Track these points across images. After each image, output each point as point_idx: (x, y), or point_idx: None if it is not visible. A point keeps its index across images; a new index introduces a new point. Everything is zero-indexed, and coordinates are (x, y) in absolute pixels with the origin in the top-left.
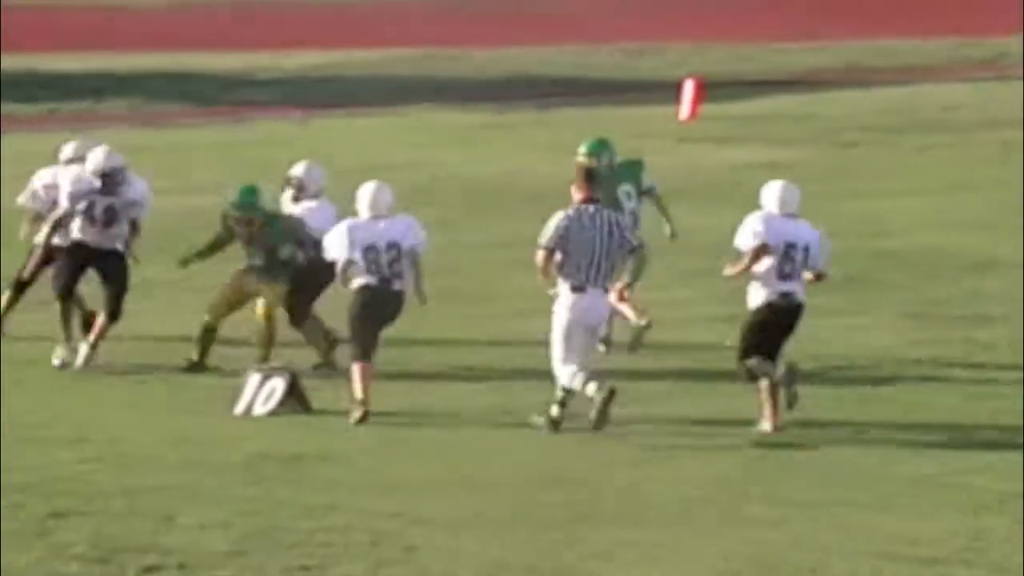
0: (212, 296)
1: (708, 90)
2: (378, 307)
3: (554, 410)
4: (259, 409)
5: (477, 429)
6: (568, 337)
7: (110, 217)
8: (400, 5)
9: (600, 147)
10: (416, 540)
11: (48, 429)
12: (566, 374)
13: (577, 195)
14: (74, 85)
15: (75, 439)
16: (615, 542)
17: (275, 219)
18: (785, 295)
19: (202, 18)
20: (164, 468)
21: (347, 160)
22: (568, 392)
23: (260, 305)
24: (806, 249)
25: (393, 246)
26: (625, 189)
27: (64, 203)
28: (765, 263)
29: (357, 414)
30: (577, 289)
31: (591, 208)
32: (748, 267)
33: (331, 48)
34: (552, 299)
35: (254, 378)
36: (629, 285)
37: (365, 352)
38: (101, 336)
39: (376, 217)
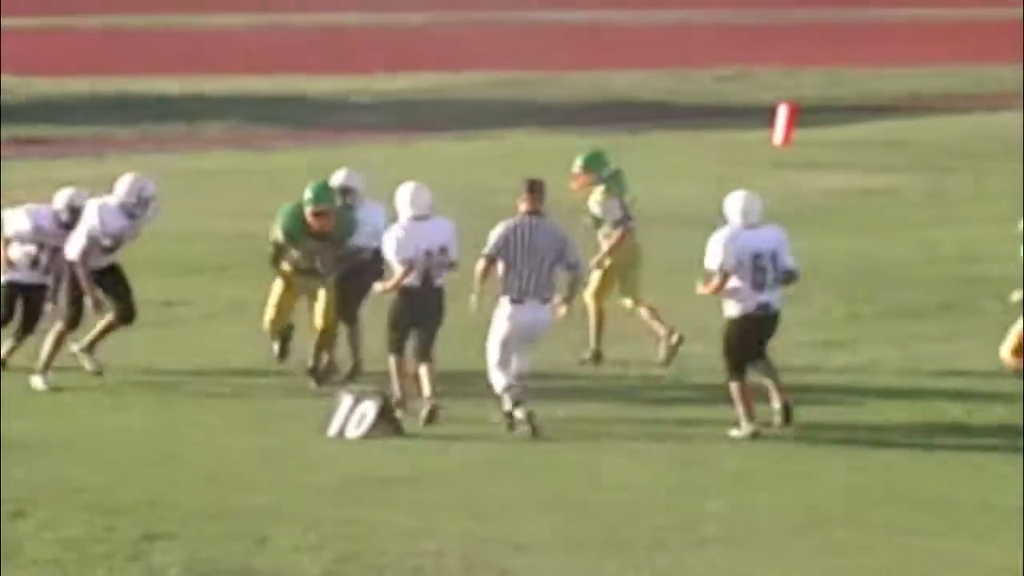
0: (277, 306)
1: (802, 115)
2: (422, 307)
3: (518, 413)
4: (352, 432)
5: (571, 451)
6: (504, 346)
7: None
8: (499, 29)
9: (595, 161)
10: (510, 564)
11: (139, 450)
12: (500, 384)
13: (522, 206)
14: (170, 108)
15: (166, 460)
16: (707, 566)
17: (347, 210)
18: (762, 306)
19: (299, 41)
20: (256, 489)
21: (447, 183)
22: (510, 388)
23: (319, 315)
24: (773, 255)
25: (444, 249)
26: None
27: (103, 239)
28: (734, 280)
29: (424, 413)
30: (517, 300)
31: (534, 220)
32: (719, 288)
33: (429, 72)
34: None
35: (346, 400)
36: (566, 300)
37: (401, 347)
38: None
39: (418, 218)
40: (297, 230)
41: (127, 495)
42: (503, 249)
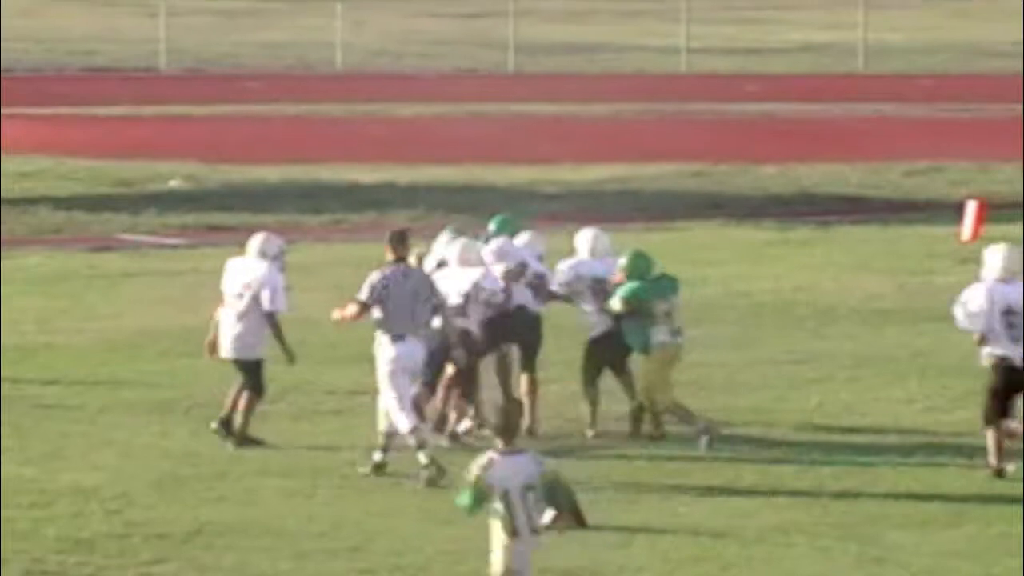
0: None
1: (991, 211)
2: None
3: (420, 457)
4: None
5: (755, 544)
6: (394, 383)
7: None
8: (687, 120)
9: (505, 224)
10: None
11: (328, 540)
12: (405, 426)
13: (390, 256)
14: (360, 196)
15: (354, 549)
16: None
17: None
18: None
19: (488, 130)
20: None
21: None
22: (417, 430)
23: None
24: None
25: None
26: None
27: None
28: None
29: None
30: (397, 338)
31: (403, 267)
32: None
33: (615, 162)
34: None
35: None
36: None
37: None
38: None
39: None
40: None
41: None
42: (380, 296)
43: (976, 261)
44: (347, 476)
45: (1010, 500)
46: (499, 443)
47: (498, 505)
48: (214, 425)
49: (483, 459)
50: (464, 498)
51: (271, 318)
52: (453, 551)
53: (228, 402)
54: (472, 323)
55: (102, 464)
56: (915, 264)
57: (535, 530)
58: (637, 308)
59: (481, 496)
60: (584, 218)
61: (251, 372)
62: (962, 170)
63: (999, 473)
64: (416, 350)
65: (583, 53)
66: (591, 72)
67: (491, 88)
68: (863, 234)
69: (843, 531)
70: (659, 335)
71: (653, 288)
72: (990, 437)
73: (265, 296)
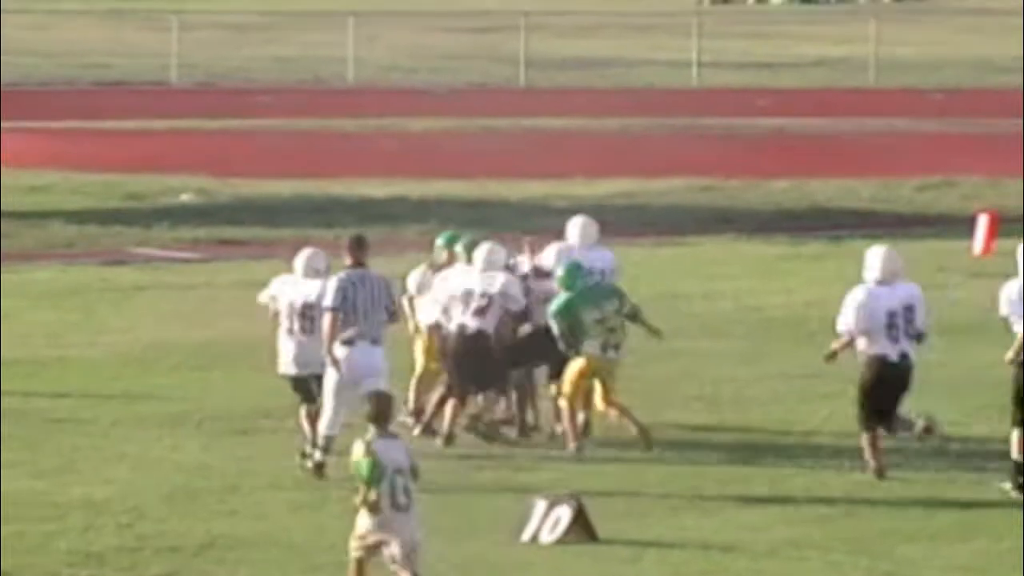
0: None
1: (1002, 225)
2: None
3: (317, 455)
4: (546, 537)
5: (770, 559)
6: (340, 389)
7: None
8: (696, 134)
9: (454, 239)
10: None
11: (338, 553)
12: (323, 429)
13: (348, 261)
14: (372, 210)
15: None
16: None
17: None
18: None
19: (499, 145)
20: None
21: (645, 289)
22: (330, 440)
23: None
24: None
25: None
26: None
27: None
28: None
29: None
30: (349, 342)
31: (360, 272)
32: None
33: (626, 177)
34: None
35: (540, 505)
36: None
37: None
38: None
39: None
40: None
41: None
42: (345, 299)
43: (989, 275)
44: (357, 490)
45: (1020, 514)
46: (373, 429)
47: None
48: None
49: (365, 440)
50: (363, 469)
51: None
52: (462, 566)
53: (308, 426)
54: (488, 325)
55: (113, 478)
56: (926, 278)
57: (397, 507)
58: (571, 321)
59: (379, 471)
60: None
61: (315, 386)
62: (974, 184)
63: (879, 473)
64: (375, 355)
65: (594, 67)
66: (602, 86)
67: (502, 103)
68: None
69: (854, 545)
70: (589, 347)
71: (583, 296)
72: (864, 439)
73: None
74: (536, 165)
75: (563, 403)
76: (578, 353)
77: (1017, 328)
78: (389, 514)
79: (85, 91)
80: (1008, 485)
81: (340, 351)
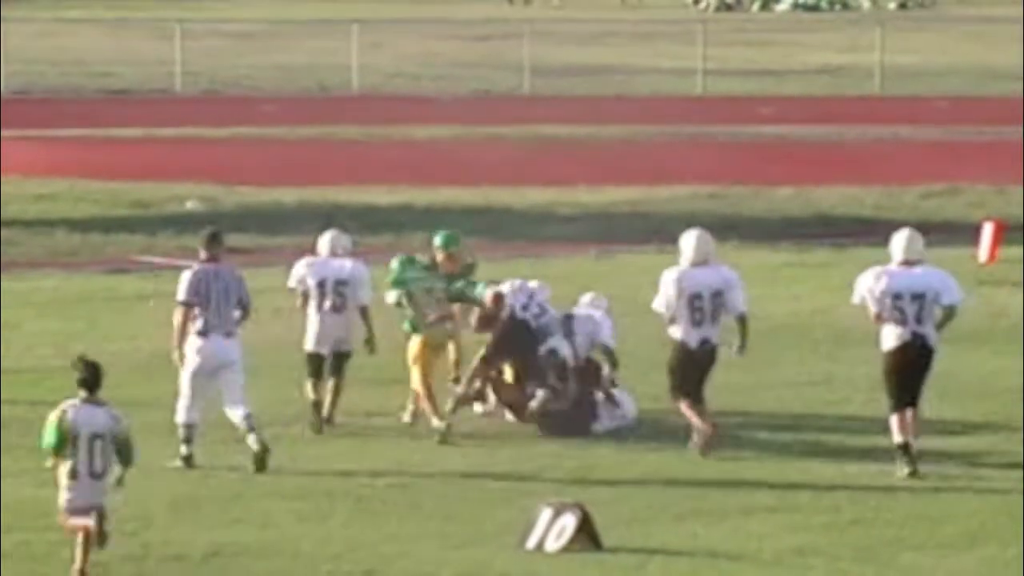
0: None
1: (1008, 233)
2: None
3: (183, 449)
4: (551, 545)
5: (776, 568)
6: (195, 378)
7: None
8: (702, 142)
9: (452, 241)
10: None
11: (343, 562)
12: (180, 418)
13: (202, 255)
14: (376, 218)
15: (369, 572)
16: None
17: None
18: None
19: (504, 153)
20: None
21: (649, 296)
22: (189, 427)
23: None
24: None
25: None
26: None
27: None
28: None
29: None
30: (203, 334)
31: (214, 266)
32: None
33: (631, 185)
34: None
35: (546, 513)
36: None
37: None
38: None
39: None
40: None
41: None
42: (196, 293)
43: (994, 283)
44: (362, 499)
45: None
46: (81, 393)
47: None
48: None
49: (62, 407)
50: (49, 438)
51: (365, 311)
52: (467, 573)
53: (319, 398)
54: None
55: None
56: None
57: (93, 474)
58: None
59: (63, 437)
60: (600, 240)
61: (344, 363)
62: (979, 192)
63: (712, 432)
64: (228, 347)
65: (598, 75)
66: (606, 94)
67: (507, 110)
68: (880, 256)
69: (860, 553)
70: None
71: (417, 277)
72: (684, 407)
73: (361, 292)
74: (541, 173)
75: (415, 380)
76: (415, 330)
77: None
78: (87, 481)
79: (90, 99)
80: (901, 467)
81: (195, 343)
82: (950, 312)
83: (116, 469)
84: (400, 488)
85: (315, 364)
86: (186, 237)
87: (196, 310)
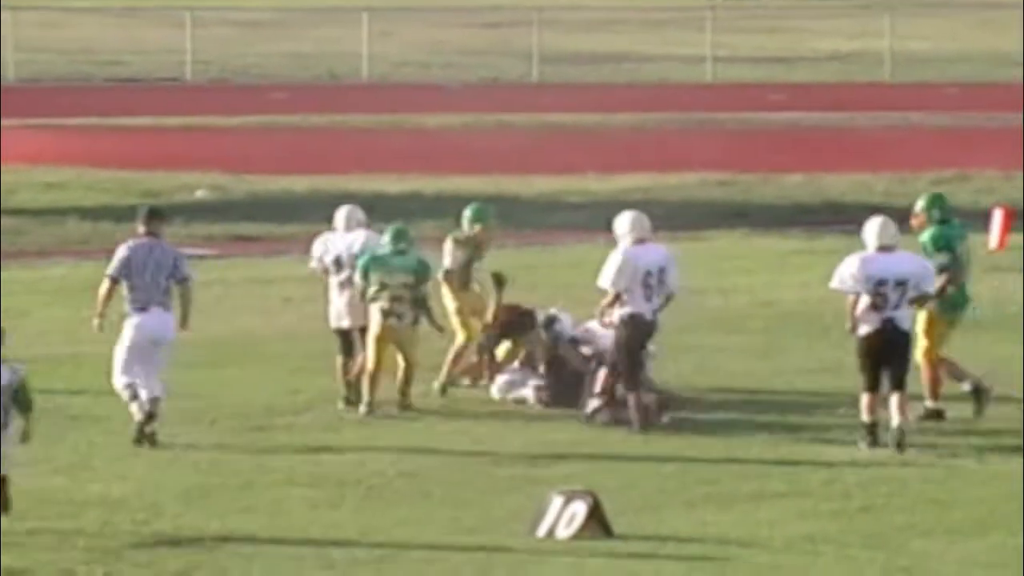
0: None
1: (1017, 219)
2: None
3: (137, 415)
4: (562, 532)
5: (786, 554)
6: (131, 350)
7: None
8: (711, 129)
9: (482, 214)
10: None
11: (355, 549)
12: (120, 383)
13: (140, 230)
14: (386, 206)
15: (380, 559)
16: None
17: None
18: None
19: (513, 141)
20: None
21: None
22: (130, 386)
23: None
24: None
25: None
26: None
27: None
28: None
29: None
30: (141, 309)
31: (148, 241)
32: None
33: (640, 172)
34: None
35: (557, 500)
36: (184, 316)
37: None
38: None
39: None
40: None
41: None
42: (125, 268)
43: (1004, 269)
44: (373, 486)
45: None
46: None
47: None
48: (362, 409)
49: None
50: None
51: None
52: (480, 560)
53: (349, 376)
54: None
55: (130, 474)
56: None
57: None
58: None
59: None
60: (609, 228)
61: (357, 338)
62: (988, 179)
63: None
64: (161, 320)
65: (608, 63)
66: (616, 82)
67: (516, 98)
68: None
69: (870, 540)
70: (374, 311)
71: (377, 258)
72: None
73: None
74: (550, 160)
75: (369, 366)
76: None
77: None
78: None
79: (99, 88)
80: (861, 444)
81: (134, 318)
82: (924, 298)
83: (18, 422)
84: (410, 475)
85: (343, 340)
86: (196, 226)
87: (127, 284)
